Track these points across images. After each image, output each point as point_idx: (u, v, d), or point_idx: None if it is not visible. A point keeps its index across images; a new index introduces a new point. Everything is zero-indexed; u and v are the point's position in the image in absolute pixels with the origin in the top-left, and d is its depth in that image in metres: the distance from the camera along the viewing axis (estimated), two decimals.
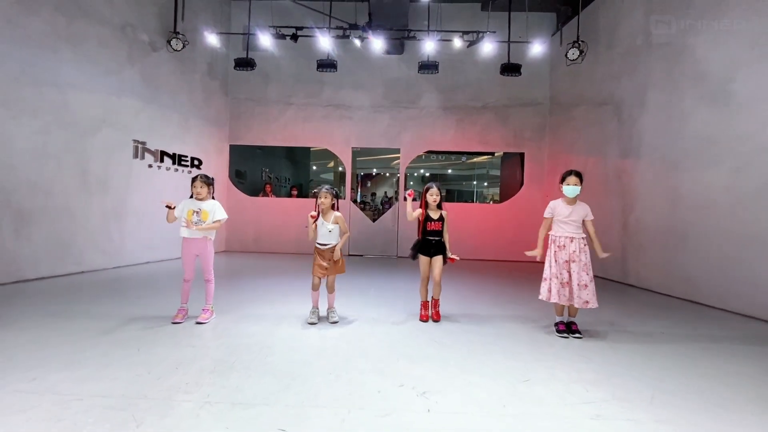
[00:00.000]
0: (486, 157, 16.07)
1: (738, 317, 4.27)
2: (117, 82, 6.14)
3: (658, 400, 2.24)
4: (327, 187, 3.56)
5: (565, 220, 3.42)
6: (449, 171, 19.62)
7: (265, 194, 9.55)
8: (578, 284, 3.33)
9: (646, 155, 5.89)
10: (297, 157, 14.33)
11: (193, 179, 3.46)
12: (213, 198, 3.56)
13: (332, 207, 3.54)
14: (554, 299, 3.39)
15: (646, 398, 2.26)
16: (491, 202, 10.78)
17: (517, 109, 8.69)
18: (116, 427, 1.77)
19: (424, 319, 3.71)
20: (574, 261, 3.38)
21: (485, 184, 19.03)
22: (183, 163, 7.56)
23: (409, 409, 2.02)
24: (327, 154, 16.78)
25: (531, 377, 2.48)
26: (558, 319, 3.54)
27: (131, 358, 2.58)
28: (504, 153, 10.77)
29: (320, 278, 3.54)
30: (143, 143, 6.66)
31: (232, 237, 8.93)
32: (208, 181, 3.49)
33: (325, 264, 3.50)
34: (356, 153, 11.42)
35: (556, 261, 3.40)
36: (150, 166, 6.81)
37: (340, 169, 16.77)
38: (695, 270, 4.99)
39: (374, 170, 18.97)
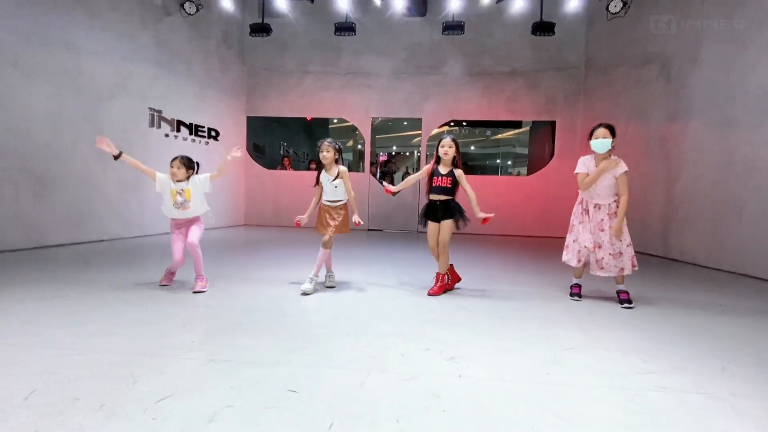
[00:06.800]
0: (512, 132, 15.37)
1: None
2: (130, 46, 5.96)
3: (731, 371, 1.90)
4: (329, 140, 3.26)
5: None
6: (472, 148, 18.93)
7: (284, 168, 9.37)
8: (611, 254, 2.98)
9: (698, 115, 5.30)
10: (315, 132, 14.08)
11: (173, 159, 3.08)
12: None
13: (335, 162, 3.26)
14: (571, 263, 3.08)
15: (716, 369, 1.92)
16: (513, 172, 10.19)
17: (549, 74, 8.08)
18: (111, 383, 1.59)
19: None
20: (602, 230, 2.99)
21: (509, 162, 18.29)
22: (200, 133, 7.42)
23: (437, 374, 1.76)
24: (345, 132, 16.43)
25: (575, 345, 2.18)
26: (574, 281, 3.21)
27: (138, 317, 2.42)
28: (532, 124, 10.20)
29: (331, 235, 3.22)
30: (159, 111, 6.52)
31: (251, 211, 8.84)
32: (189, 165, 3.12)
33: (333, 223, 3.22)
34: (375, 131, 11.00)
35: (580, 222, 3.07)
36: (166, 135, 6.69)
37: (359, 147, 16.43)
38: (753, 241, 4.49)
39: (394, 148, 18.49)
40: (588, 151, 3.09)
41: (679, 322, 2.69)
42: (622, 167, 2.94)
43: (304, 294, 3.03)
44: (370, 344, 2.09)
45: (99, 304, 2.66)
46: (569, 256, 3.11)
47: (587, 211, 3.05)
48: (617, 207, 2.98)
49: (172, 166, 3.08)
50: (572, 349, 2.11)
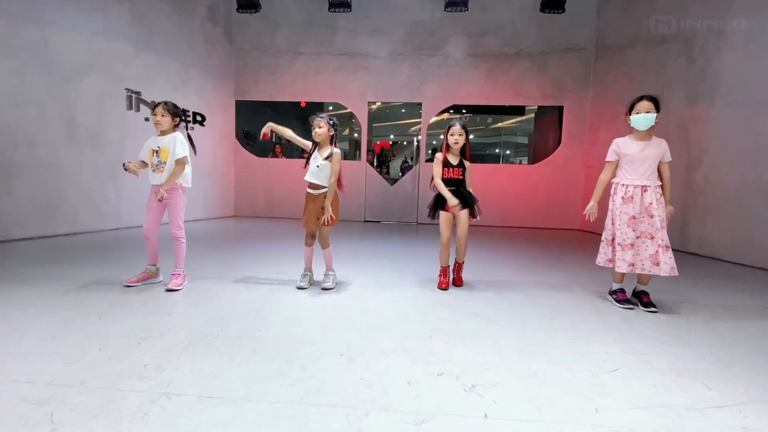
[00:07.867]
0: (514, 120, 14.87)
1: None
2: (103, 21, 5.41)
3: None
4: (322, 114, 2.88)
5: (637, 160, 2.61)
6: (471, 137, 18.35)
7: (275, 156, 8.89)
8: (660, 245, 2.58)
9: (724, 97, 4.88)
10: (309, 119, 13.50)
11: (155, 106, 2.76)
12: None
13: (330, 141, 2.87)
14: (620, 269, 2.62)
15: None
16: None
17: (557, 56, 7.59)
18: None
19: (443, 286, 3.00)
20: (652, 215, 2.61)
21: (508, 152, 17.82)
22: (185, 118, 6.90)
23: (457, 413, 1.36)
24: (341, 121, 15.90)
25: (619, 366, 1.78)
26: (616, 286, 2.80)
27: (87, 329, 2.00)
28: (538, 109, 9.73)
29: (314, 231, 2.91)
30: (138, 93, 6.00)
31: (241, 201, 8.37)
32: (174, 111, 2.77)
33: (315, 213, 2.84)
34: (372, 118, 10.48)
35: (619, 214, 2.65)
36: (147, 119, 6.17)
37: (356, 135, 15.90)
38: None
39: (391, 136, 17.94)
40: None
41: (729, 331, 2.30)
42: (668, 152, 2.62)
43: (300, 288, 2.89)
44: (368, 366, 1.68)
45: (42, 311, 2.23)
46: (621, 263, 2.62)
47: (630, 199, 2.62)
48: (661, 192, 2.63)
49: (155, 114, 2.74)
50: (617, 372, 1.72)
